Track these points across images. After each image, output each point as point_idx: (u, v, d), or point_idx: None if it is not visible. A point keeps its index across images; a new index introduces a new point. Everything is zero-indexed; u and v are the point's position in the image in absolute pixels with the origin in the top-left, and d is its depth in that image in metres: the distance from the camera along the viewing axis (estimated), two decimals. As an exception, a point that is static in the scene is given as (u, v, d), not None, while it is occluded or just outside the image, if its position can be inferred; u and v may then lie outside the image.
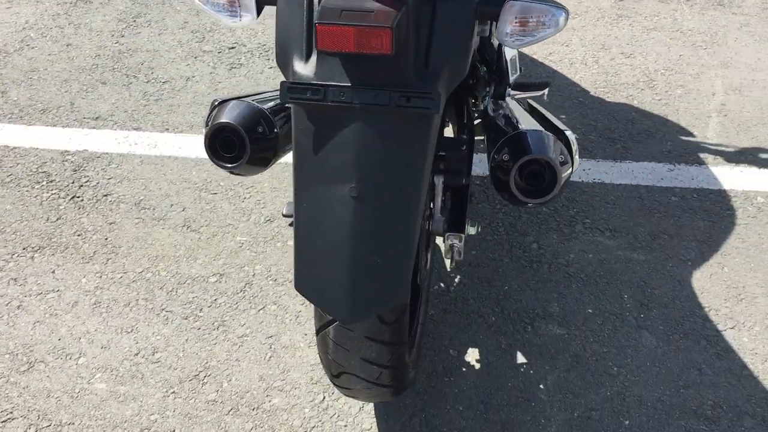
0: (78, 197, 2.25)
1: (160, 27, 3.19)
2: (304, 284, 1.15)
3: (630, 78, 2.88)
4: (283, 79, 1.12)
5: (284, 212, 2.11)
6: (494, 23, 1.20)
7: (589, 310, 1.89)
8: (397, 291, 1.12)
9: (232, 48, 3.06)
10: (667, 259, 2.05)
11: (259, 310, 1.89)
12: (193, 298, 1.93)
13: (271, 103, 1.52)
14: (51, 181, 2.31)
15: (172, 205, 2.23)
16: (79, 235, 2.12)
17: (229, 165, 1.36)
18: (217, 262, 2.03)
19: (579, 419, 1.63)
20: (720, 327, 1.85)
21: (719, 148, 2.50)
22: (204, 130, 1.42)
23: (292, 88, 1.07)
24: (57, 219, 2.17)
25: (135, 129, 2.57)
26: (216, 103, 1.40)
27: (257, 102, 1.45)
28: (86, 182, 2.32)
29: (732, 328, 1.85)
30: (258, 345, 1.80)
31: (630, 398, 1.68)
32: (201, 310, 1.89)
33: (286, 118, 1.66)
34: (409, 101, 1.04)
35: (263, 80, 2.84)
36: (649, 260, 2.04)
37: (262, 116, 1.41)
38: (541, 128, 1.30)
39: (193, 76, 2.86)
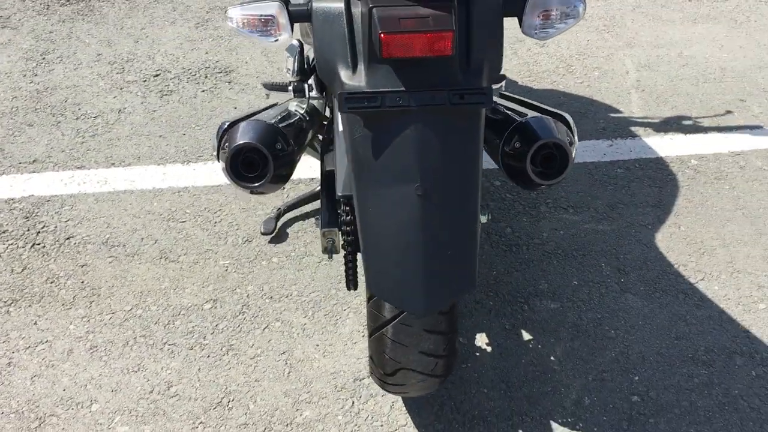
0: (39, 244, 2.15)
1: (74, 62, 3.08)
2: (379, 286, 1.18)
3: (550, 66, 3.05)
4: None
5: (262, 230, 2.13)
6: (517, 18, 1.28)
7: (575, 282, 2.01)
8: (467, 279, 1.17)
9: (157, 75, 3.01)
10: (630, 226, 2.21)
11: (264, 329, 1.89)
12: (193, 327, 1.89)
13: (280, 119, 1.54)
14: (4, 232, 2.20)
15: (142, 239, 2.18)
16: (52, 282, 2.03)
17: (254, 185, 1.37)
18: (207, 289, 2.01)
19: (594, 382, 1.74)
20: (692, 280, 2.02)
21: (646, 120, 2.71)
22: (216, 154, 1.42)
23: (350, 98, 1.11)
24: (23, 269, 2.07)
25: (78, 168, 2.48)
26: (226, 126, 1.40)
27: (266, 120, 1.46)
28: (43, 228, 2.22)
29: (702, 279, 2.03)
30: (273, 363, 1.80)
31: (633, 356, 1.81)
32: (204, 338, 1.87)
33: (298, 131, 1.68)
34: (462, 98, 1.10)
35: (199, 104, 2.81)
36: (614, 229, 2.20)
37: (278, 133, 1.43)
38: (540, 114, 1.39)
39: (125, 108, 2.79)
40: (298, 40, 1.64)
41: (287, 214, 2.26)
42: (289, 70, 1.66)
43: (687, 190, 2.35)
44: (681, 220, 2.23)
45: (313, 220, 2.25)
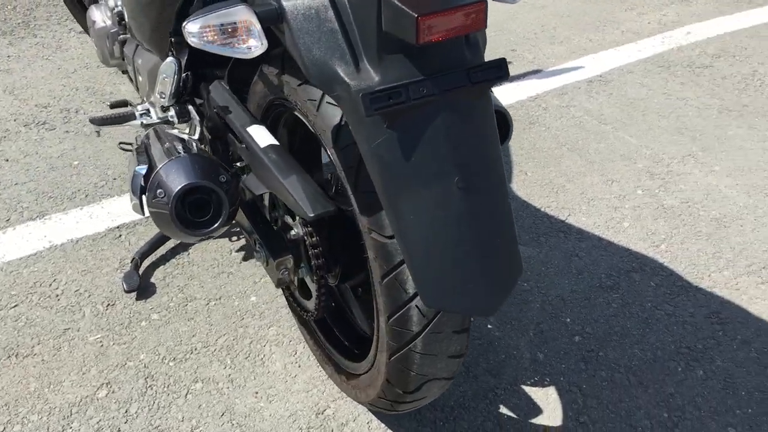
0: None
1: None
2: (436, 297, 1.05)
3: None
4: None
5: (126, 288, 1.82)
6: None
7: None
8: (517, 265, 1.10)
9: None
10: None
11: (186, 396, 1.62)
12: (99, 423, 1.56)
13: (196, 148, 1.32)
14: None
15: (-28, 341, 1.74)
16: None
17: (209, 228, 1.16)
18: (90, 374, 1.66)
19: (536, 336, 1.77)
20: (561, 217, 2.15)
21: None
22: (141, 205, 1.18)
23: (375, 98, 0.96)
24: None
25: None
26: (145, 171, 1.17)
27: (185, 153, 1.24)
28: None
29: (569, 215, 2.17)
30: (218, 429, 1.55)
31: (554, 300, 1.87)
32: (119, 430, 1.55)
33: (226, 157, 1.44)
34: (482, 75, 1.01)
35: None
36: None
37: (216, 163, 1.22)
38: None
39: None
40: (176, 58, 1.40)
41: (144, 261, 1.95)
42: (164, 93, 1.41)
43: (513, 140, 2.48)
44: (524, 167, 2.36)
45: (176, 260, 1.97)
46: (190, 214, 1.17)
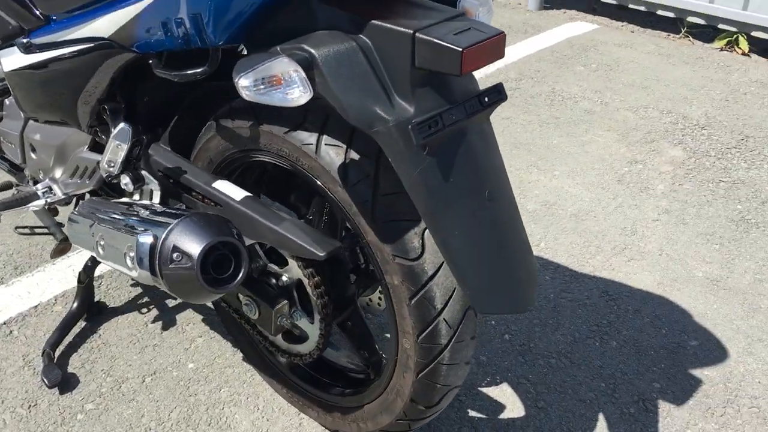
0: None
1: None
2: (486, 303, 1.14)
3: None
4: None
5: (48, 383, 1.68)
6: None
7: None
8: (533, 261, 1.23)
9: None
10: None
11: (162, 478, 1.53)
12: None
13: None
14: None
15: None
16: None
17: (233, 283, 1.16)
18: (41, 482, 1.50)
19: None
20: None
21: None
22: (155, 269, 1.15)
23: (421, 127, 1.03)
24: None
25: None
26: (168, 232, 1.15)
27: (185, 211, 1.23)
28: None
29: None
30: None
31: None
32: None
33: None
34: (489, 98, 1.14)
35: None
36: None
37: (224, 220, 1.21)
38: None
39: None
40: (127, 123, 1.35)
41: (57, 351, 1.80)
42: (113, 162, 1.36)
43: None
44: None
45: (89, 344, 1.83)
46: (213, 272, 1.14)
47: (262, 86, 1.00)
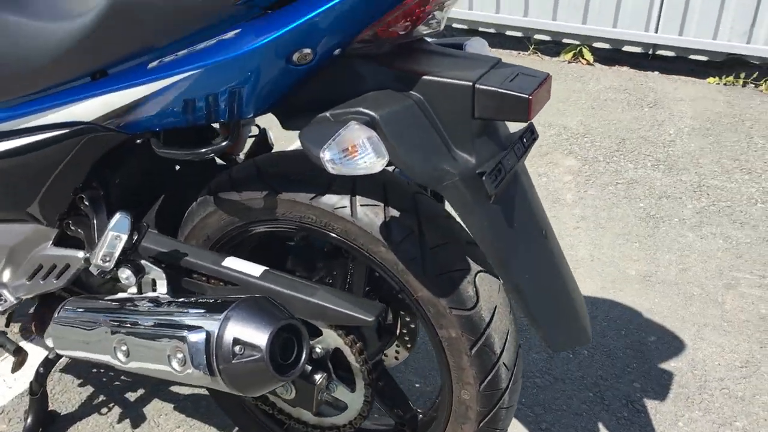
0: None
1: None
2: (561, 340, 1.14)
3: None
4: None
5: None
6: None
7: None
8: (580, 292, 1.25)
9: None
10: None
11: None
12: None
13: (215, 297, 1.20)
14: None
15: None
16: None
17: (298, 366, 1.10)
18: None
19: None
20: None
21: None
22: (211, 359, 1.06)
23: (491, 177, 1.03)
24: None
25: None
26: (223, 324, 1.06)
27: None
28: None
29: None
30: None
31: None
32: None
33: None
34: (528, 137, 1.16)
35: None
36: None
37: (270, 299, 1.14)
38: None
39: None
40: (124, 212, 1.22)
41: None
42: (108, 257, 1.23)
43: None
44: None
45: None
46: (280, 358, 1.06)
47: (343, 157, 0.94)
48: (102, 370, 1.88)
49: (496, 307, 1.21)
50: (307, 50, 0.99)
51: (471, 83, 1.01)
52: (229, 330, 1.05)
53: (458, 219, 1.12)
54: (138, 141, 1.29)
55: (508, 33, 4.39)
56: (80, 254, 1.35)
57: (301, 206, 1.22)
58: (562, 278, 1.17)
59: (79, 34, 1.13)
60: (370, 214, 1.18)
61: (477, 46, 1.24)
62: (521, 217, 1.11)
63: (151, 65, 1.09)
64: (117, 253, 1.22)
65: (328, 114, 1.04)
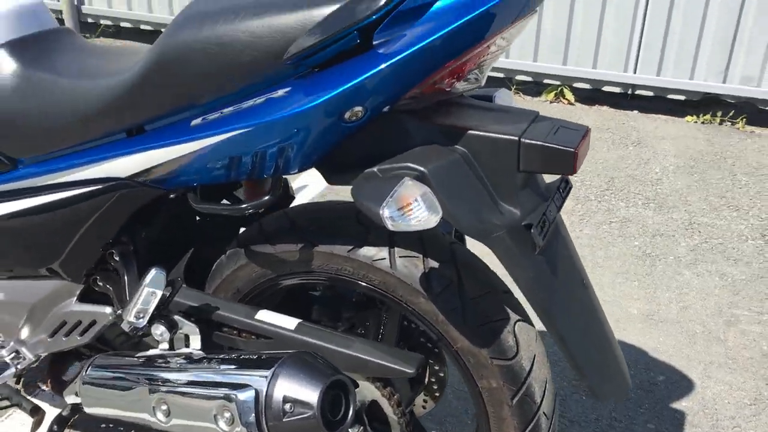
0: None
1: None
2: (606, 390, 1.15)
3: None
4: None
5: None
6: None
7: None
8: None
9: None
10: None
11: None
12: None
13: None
14: None
15: None
16: None
17: (346, 422, 1.09)
18: None
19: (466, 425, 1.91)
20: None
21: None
22: (261, 418, 1.05)
23: (538, 227, 1.04)
24: None
25: None
26: (271, 382, 1.05)
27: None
28: None
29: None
30: None
31: (455, 393, 2.03)
32: None
33: None
34: (564, 187, 1.18)
35: None
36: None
37: (313, 353, 1.13)
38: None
39: None
40: (160, 268, 1.21)
41: None
42: (142, 313, 1.22)
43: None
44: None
45: None
46: (330, 415, 1.05)
47: (400, 214, 0.95)
48: (111, 425, 1.83)
49: (535, 355, 1.21)
50: (359, 108, 1.00)
51: (516, 137, 1.03)
52: (279, 388, 1.04)
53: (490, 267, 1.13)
54: (171, 195, 1.28)
55: (491, 74, 4.46)
56: (107, 310, 1.33)
57: (338, 258, 1.22)
58: (602, 326, 1.18)
59: (117, 91, 1.13)
60: (410, 265, 1.18)
61: (505, 97, 1.26)
62: (564, 267, 1.13)
63: (194, 123, 1.10)
64: (151, 309, 1.20)
65: (375, 169, 1.05)
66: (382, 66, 0.96)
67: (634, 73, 4.05)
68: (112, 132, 1.18)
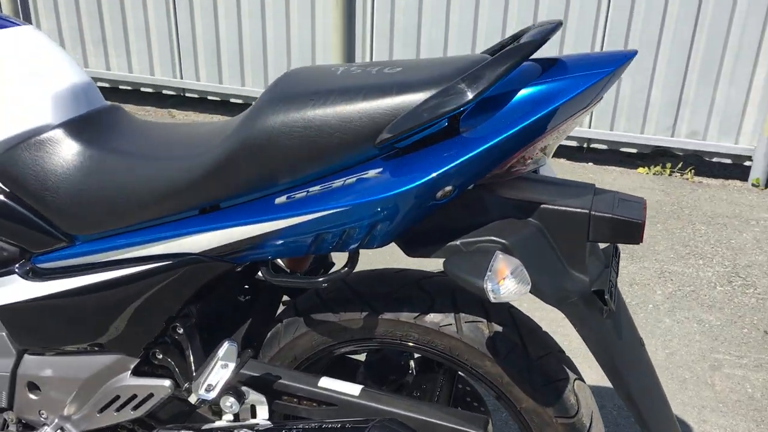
0: None
1: None
2: None
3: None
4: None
5: None
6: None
7: None
8: None
9: None
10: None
11: None
12: None
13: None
14: None
15: None
16: None
17: None
18: None
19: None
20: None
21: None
22: None
23: (610, 294, 1.12)
24: None
25: None
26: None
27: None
28: None
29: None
30: None
31: None
32: None
33: None
34: (617, 252, 1.27)
35: None
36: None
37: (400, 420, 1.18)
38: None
39: None
40: (231, 340, 1.24)
41: None
42: (212, 386, 1.24)
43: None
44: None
45: None
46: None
47: (498, 285, 1.01)
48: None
49: (592, 412, 1.28)
50: (450, 188, 1.06)
51: (587, 211, 1.12)
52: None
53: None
54: (238, 269, 1.31)
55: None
56: (167, 383, 1.33)
57: (404, 325, 1.27)
58: (659, 384, 1.27)
59: (196, 171, 1.16)
60: (476, 330, 1.24)
61: (548, 169, 1.36)
62: (625, 328, 1.21)
63: (278, 201, 1.14)
64: (223, 382, 1.22)
65: (459, 243, 1.11)
66: (475, 152, 1.04)
67: (589, 127, 4.26)
68: (184, 210, 1.21)
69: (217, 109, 4.97)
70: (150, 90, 5.08)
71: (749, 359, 2.44)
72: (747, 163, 4.03)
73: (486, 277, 1.00)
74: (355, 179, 1.09)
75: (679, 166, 4.17)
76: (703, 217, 3.54)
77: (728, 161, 4.10)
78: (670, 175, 4.14)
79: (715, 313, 2.71)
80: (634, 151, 4.28)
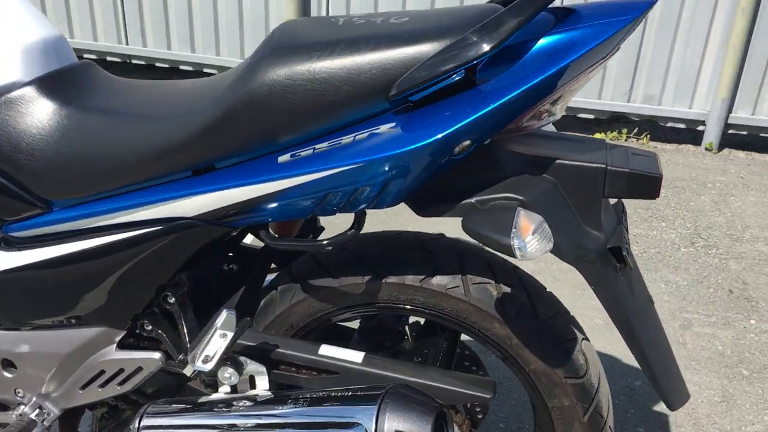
0: None
1: None
2: (676, 399, 1.20)
3: None
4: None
5: None
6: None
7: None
8: None
9: None
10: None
11: None
12: None
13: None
14: None
15: None
16: None
17: None
18: None
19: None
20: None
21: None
22: None
23: (624, 249, 1.09)
24: None
25: None
26: (381, 411, 1.05)
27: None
28: None
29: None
30: None
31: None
32: None
33: None
34: (623, 209, 1.24)
35: None
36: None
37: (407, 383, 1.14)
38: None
39: None
40: (230, 309, 1.17)
41: None
42: (210, 356, 1.17)
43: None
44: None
45: None
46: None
47: (525, 243, 0.97)
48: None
49: (599, 371, 1.27)
50: (467, 142, 1.01)
51: (604, 165, 1.08)
52: (389, 423, 1.03)
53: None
54: (234, 233, 1.24)
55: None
56: (156, 355, 1.26)
57: (408, 289, 1.22)
58: (666, 340, 1.26)
59: (189, 130, 1.09)
60: (484, 291, 1.20)
61: (551, 127, 1.32)
62: (637, 286, 1.19)
63: (282, 159, 1.07)
64: (221, 353, 1.16)
65: (474, 201, 1.06)
66: (495, 104, 0.99)
67: (548, 93, 4.26)
68: (175, 172, 1.13)
69: (165, 76, 4.79)
70: (93, 57, 4.86)
71: (717, 317, 2.49)
72: (700, 128, 4.10)
73: (512, 234, 0.96)
74: (366, 134, 1.03)
75: (635, 131, 4.21)
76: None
77: (682, 126, 4.16)
78: (626, 140, 4.18)
79: (681, 273, 2.75)
80: (591, 117, 4.30)
